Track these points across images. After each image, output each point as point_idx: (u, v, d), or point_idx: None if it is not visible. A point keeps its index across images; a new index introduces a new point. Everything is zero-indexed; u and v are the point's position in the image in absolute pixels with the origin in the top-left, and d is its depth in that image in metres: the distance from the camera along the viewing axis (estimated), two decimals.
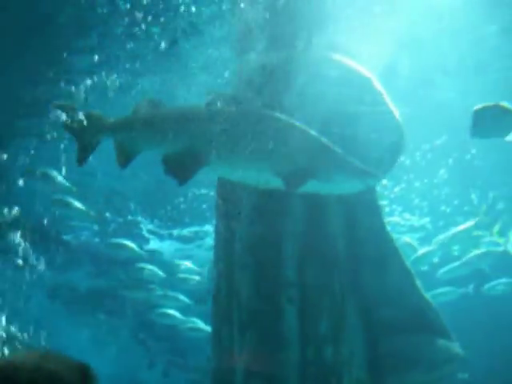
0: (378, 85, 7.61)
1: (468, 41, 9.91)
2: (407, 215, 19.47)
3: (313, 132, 6.22)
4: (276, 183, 6.12)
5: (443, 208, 18.96)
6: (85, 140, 6.35)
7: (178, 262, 17.02)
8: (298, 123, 6.21)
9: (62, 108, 6.54)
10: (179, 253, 19.03)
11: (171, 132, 6.05)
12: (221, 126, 5.93)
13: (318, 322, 7.36)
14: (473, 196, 18.66)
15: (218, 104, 6.09)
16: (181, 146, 6.03)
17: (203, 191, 15.81)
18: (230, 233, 7.71)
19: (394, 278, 7.76)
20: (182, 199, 16.39)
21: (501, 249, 15.69)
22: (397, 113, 7.54)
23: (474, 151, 14.42)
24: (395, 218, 19.30)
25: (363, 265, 7.70)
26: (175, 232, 19.38)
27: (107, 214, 17.22)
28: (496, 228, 14.88)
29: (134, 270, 15.80)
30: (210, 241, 18.79)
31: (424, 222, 20.30)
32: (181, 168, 6.03)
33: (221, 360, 7.76)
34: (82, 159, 6.43)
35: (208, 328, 10.98)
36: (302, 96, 7.06)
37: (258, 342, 7.33)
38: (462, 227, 15.68)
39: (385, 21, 7.70)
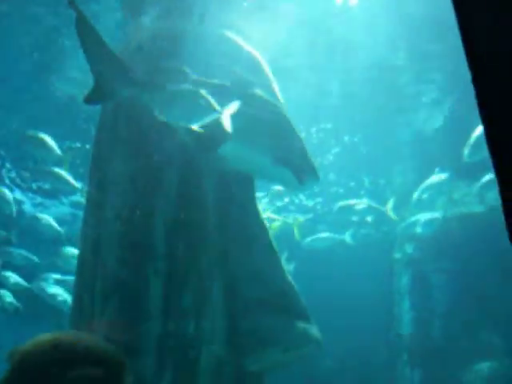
0: (265, 66, 8.37)
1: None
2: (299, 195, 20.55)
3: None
4: (277, 174, 7.21)
5: (335, 189, 20.16)
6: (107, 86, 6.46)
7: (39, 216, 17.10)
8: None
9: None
10: (40, 207, 19.30)
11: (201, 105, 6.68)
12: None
13: (182, 296, 7.85)
14: (365, 180, 20.05)
15: None
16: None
17: (78, 144, 15.94)
18: (101, 200, 8.09)
19: (259, 257, 8.41)
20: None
21: None
22: (280, 96, 8.38)
23: (359, 136, 15.64)
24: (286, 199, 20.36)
25: (232, 242, 8.31)
26: (36, 185, 19.40)
27: None
28: None
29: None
30: (75, 198, 19.09)
31: (314, 203, 21.45)
32: (209, 141, 6.58)
33: (79, 328, 7.89)
34: (92, 99, 6.58)
35: None
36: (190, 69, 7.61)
37: (119, 311, 7.70)
38: None
39: (280, 4, 8.40)
